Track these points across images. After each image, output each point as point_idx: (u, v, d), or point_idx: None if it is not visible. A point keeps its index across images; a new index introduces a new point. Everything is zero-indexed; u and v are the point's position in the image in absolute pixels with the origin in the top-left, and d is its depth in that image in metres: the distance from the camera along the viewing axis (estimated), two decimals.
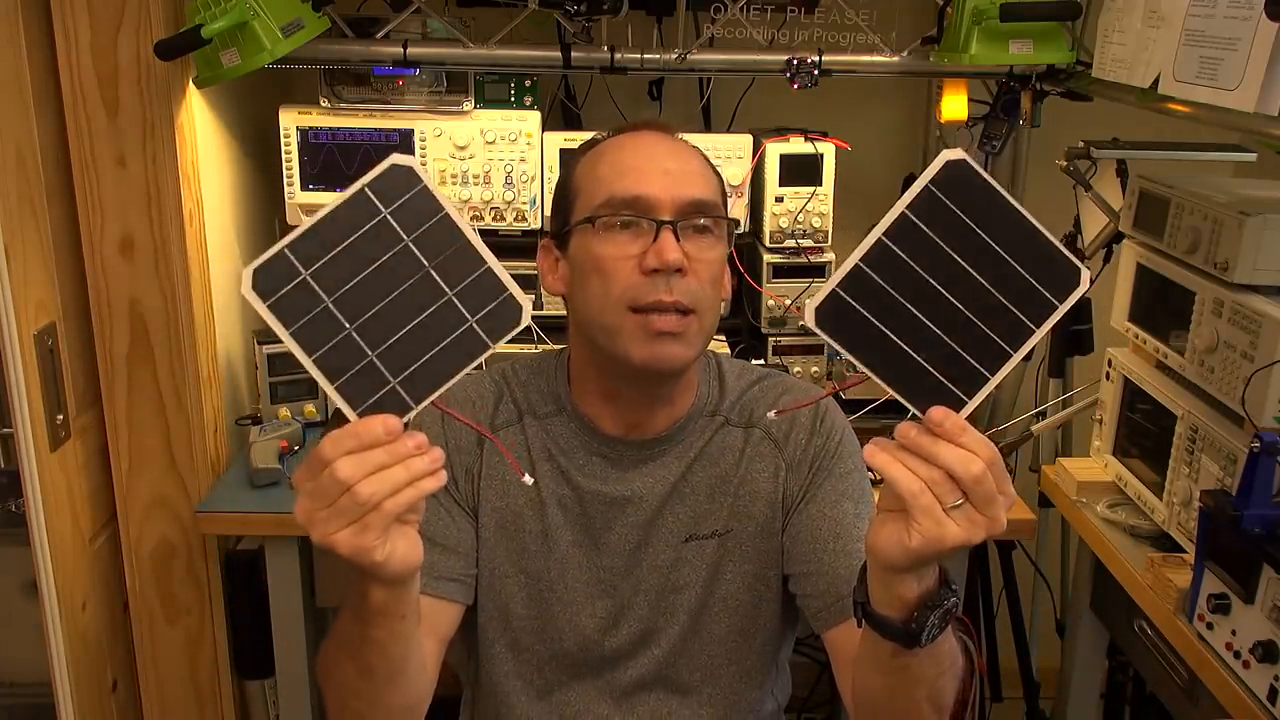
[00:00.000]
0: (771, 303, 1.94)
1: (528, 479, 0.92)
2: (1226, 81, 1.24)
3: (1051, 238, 0.82)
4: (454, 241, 0.82)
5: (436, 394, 0.82)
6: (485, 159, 1.87)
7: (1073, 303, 0.82)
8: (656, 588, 1.19)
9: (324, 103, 1.86)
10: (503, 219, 1.90)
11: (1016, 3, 1.62)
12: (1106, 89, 1.62)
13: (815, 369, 1.98)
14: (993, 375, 0.82)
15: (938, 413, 0.80)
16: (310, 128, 1.85)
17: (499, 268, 0.83)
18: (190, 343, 1.66)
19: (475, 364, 0.83)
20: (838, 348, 0.82)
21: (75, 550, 1.57)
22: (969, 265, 0.81)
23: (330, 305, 0.81)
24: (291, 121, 1.85)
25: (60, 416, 1.52)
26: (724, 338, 1.99)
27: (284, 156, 1.86)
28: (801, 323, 1.94)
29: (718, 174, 1.19)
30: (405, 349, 0.81)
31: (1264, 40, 1.18)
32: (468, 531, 1.18)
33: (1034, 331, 0.82)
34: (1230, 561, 1.26)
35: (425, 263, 0.82)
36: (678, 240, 1.09)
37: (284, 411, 1.88)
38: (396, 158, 0.81)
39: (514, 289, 0.83)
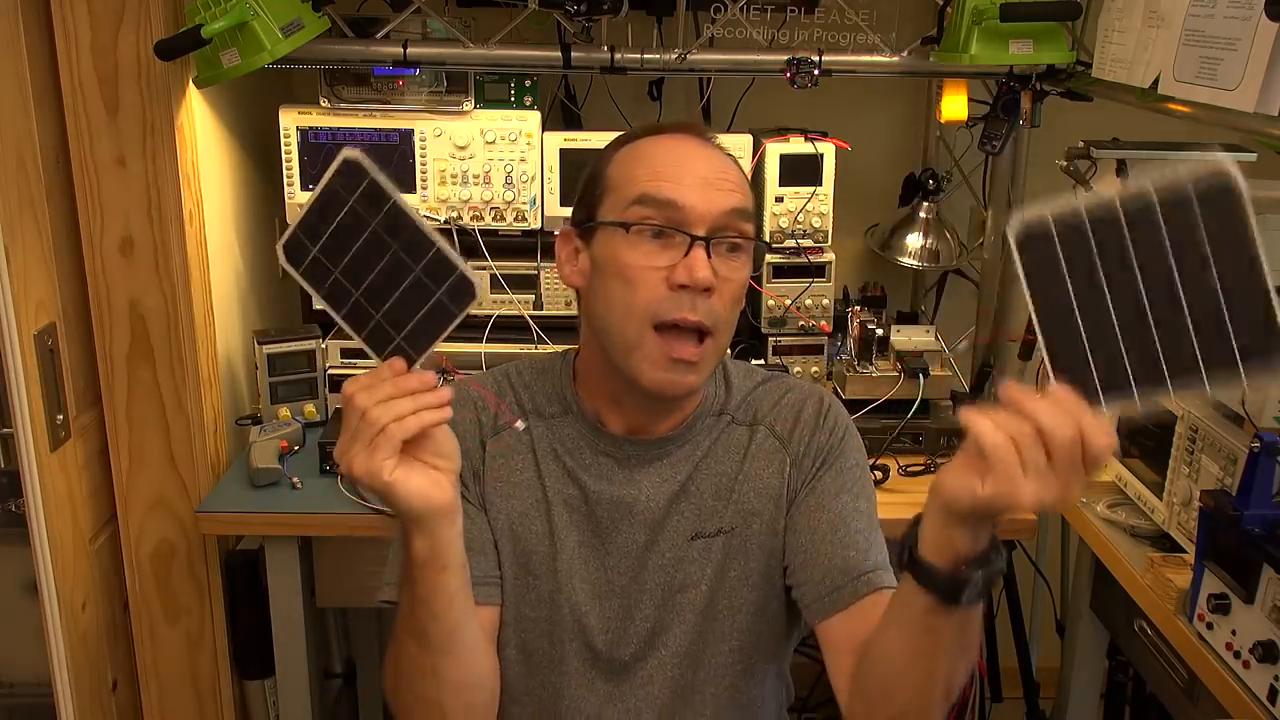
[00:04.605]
0: (771, 303, 1.94)
1: (520, 425, 1.03)
2: (1226, 81, 1.25)
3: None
4: (406, 226, 0.91)
5: (433, 347, 0.93)
6: (485, 159, 1.87)
7: None
8: (663, 587, 1.19)
9: (324, 103, 1.86)
10: (503, 219, 1.90)
11: (1016, 3, 1.61)
12: (1106, 89, 1.62)
13: (815, 369, 1.98)
14: (1148, 394, 0.80)
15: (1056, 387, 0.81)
16: (310, 128, 1.85)
17: (447, 248, 0.91)
18: (190, 343, 1.66)
19: (452, 326, 0.92)
20: (1023, 279, 0.81)
21: (75, 550, 1.57)
22: (1179, 276, 0.79)
23: (339, 276, 0.94)
24: (291, 121, 1.85)
25: (60, 416, 1.52)
26: None
27: (284, 156, 1.86)
28: (803, 322, 1.95)
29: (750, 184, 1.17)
30: (398, 314, 0.93)
31: (1264, 40, 1.18)
32: (488, 530, 1.19)
33: (1235, 374, 0.78)
34: (1230, 561, 1.26)
35: (392, 244, 0.92)
36: (709, 257, 1.07)
37: (284, 411, 1.88)
38: (347, 152, 0.91)
39: (464, 267, 0.91)
